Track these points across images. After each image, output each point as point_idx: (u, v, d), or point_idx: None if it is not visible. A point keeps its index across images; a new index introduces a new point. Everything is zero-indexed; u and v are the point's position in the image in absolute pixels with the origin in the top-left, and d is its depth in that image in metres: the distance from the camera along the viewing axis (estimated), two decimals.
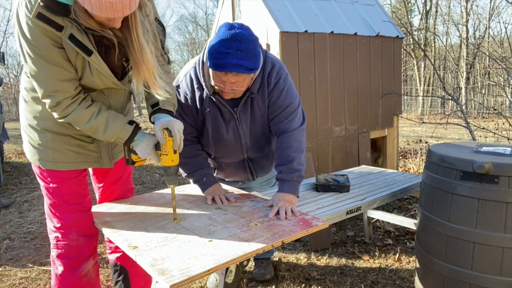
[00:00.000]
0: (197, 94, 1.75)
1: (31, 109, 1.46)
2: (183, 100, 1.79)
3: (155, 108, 1.52)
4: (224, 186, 1.93)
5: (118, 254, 1.75)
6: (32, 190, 4.48)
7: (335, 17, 3.31)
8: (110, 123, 1.41)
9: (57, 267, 1.57)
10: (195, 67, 1.74)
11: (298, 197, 1.72)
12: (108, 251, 1.80)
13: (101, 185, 1.76)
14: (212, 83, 1.64)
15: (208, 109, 1.77)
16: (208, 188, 1.82)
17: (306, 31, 2.97)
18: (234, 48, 1.50)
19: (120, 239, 1.37)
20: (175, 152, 1.45)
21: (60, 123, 1.43)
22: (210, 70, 1.60)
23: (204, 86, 1.71)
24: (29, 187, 4.59)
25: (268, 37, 3.00)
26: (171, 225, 1.48)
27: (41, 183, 1.54)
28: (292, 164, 1.70)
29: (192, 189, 1.97)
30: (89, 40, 1.28)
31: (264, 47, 2.97)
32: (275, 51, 2.93)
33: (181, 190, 1.98)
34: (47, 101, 1.33)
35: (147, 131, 1.54)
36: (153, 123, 1.51)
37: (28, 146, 1.52)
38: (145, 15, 1.33)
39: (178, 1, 59.25)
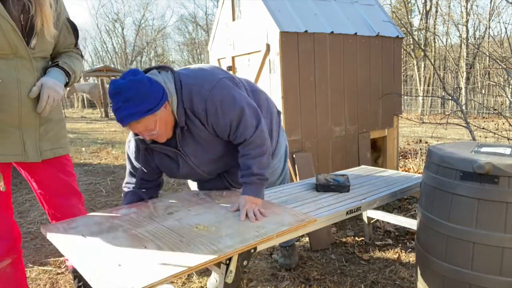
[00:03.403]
0: (141, 148, 1.77)
1: None
2: (133, 159, 1.83)
3: (54, 63, 1.59)
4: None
5: None
6: (32, 190, 4.47)
7: (335, 17, 3.31)
8: None
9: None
10: None
11: (263, 199, 1.74)
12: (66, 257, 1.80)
13: (35, 186, 1.77)
14: (136, 138, 1.68)
15: (155, 157, 1.79)
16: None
17: (306, 31, 2.97)
18: (120, 101, 1.49)
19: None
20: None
21: None
22: None
23: (140, 139, 1.73)
24: (29, 187, 4.57)
25: (268, 37, 3.00)
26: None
27: None
28: (250, 170, 1.70)
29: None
30: None
31: (264, 47, 2.99)
32: (275, 51, 2.93)
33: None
34: None
35: None
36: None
37: None
38: None
39: (178, 1, 59.29)
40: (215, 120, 1.65)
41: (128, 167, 1.88)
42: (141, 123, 1.53)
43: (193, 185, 2.14)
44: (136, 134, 1.68)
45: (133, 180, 1.87)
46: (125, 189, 1.90)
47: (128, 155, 1.86)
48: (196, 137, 1.70)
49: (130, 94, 1.48)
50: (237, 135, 1.69)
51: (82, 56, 1.80)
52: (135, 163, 1.83)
